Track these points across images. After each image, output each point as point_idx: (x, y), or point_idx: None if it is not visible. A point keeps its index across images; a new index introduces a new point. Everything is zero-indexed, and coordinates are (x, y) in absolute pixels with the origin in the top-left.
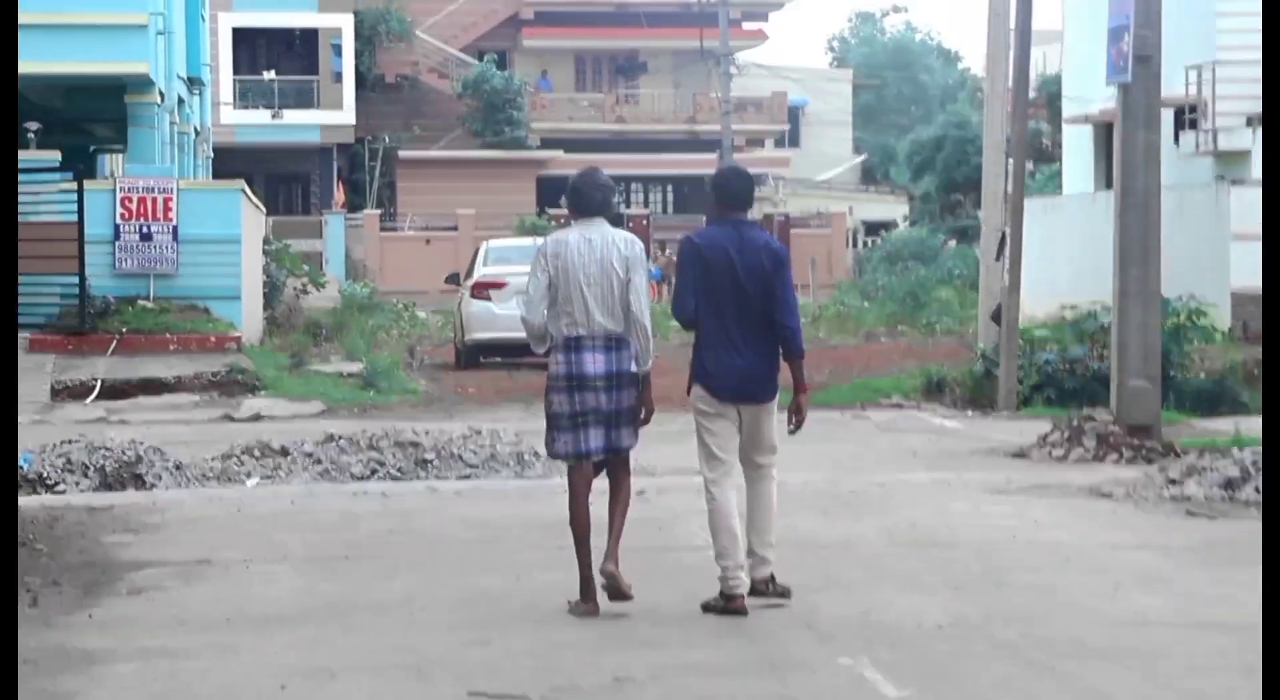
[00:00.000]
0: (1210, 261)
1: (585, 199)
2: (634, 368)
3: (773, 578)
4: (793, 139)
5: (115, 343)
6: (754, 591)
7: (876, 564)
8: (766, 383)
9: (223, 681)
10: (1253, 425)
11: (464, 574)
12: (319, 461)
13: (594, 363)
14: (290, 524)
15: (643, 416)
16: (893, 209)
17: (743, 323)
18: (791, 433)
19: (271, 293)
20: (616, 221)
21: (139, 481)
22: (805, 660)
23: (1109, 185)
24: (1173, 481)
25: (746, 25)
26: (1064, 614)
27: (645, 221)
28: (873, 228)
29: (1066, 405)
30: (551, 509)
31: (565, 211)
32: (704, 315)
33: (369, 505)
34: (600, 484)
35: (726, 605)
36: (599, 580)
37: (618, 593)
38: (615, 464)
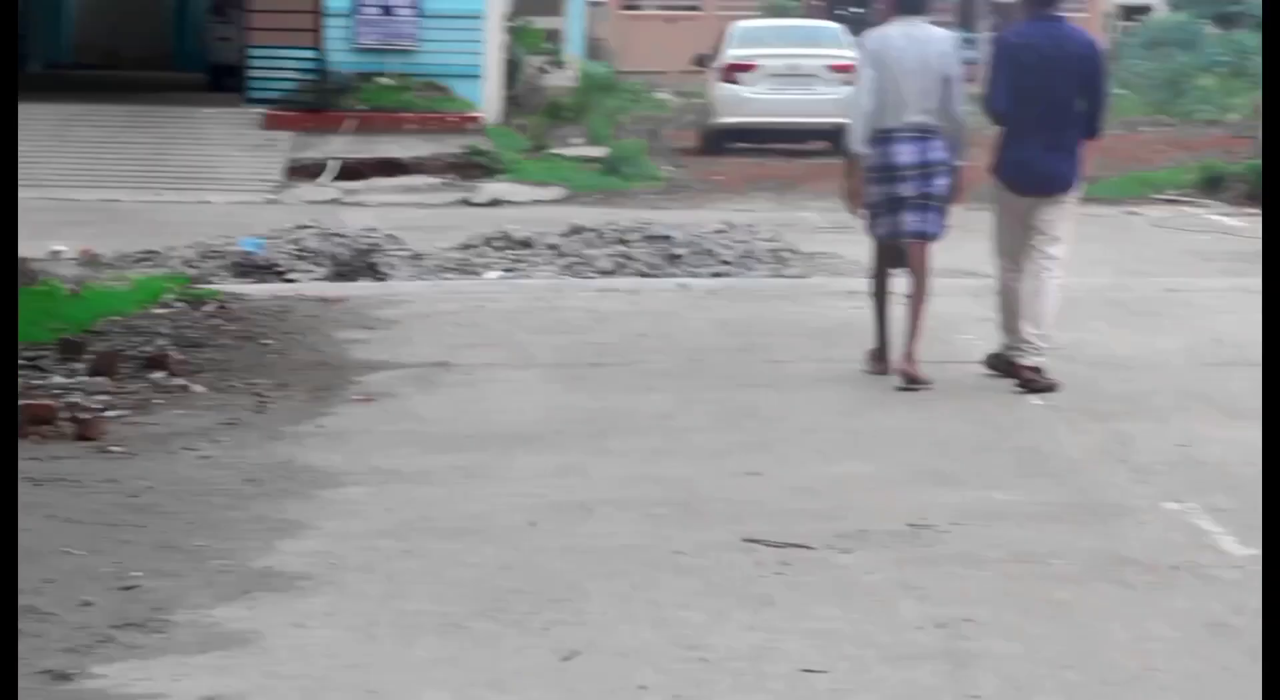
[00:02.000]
0: None
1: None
2: (946, 157)
3: (1042, 370)
4: None
5: (353, 121)
6: (1023, 380)
7: (1185, 387)
8: (1066, 179)
9: (464, 513)
10: None
11: (725, 388)
12: (564, 254)
13: (905, 153)
14: (534, 323)
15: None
16: None
17: (1048, 119)
18: None
19: (512, 72)
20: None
21: (374, 271)
22: (1125, 505)
23: None
24: None
25: None
26: None
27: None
28: (1129, 12)
29: None
30: (816, 312)
31: None
32: (1012, 112)
33: (617, 304)
34: None
35: (1008, 369)
36: (898, 381)
37: (917, 383)
38: (915, 253)
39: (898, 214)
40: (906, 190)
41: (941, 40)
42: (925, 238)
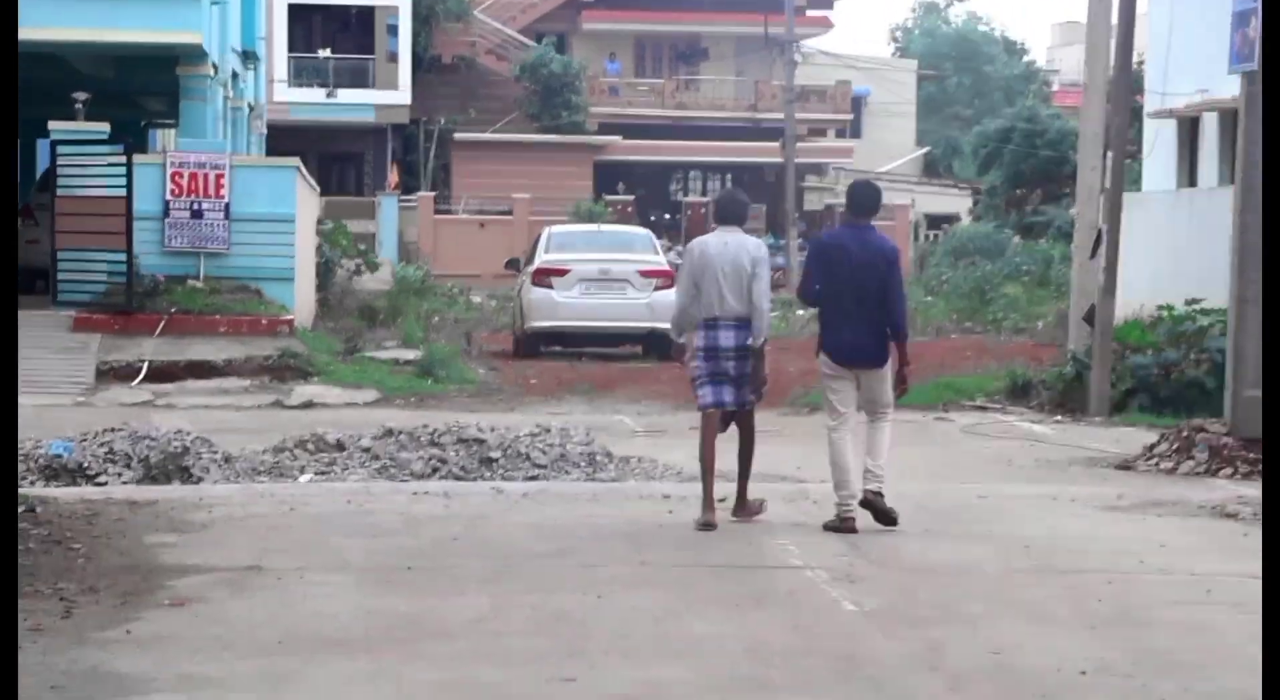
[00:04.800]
0: None
1: (725, 211)
2: (752, 342)
3: (882, 495)
4: (855, 129)
5: (163, 323)
6: (865, 502)
7: (997, 594)
8: (876, 353)
9: None
10: None
11: (539, 591)
12: (377, 457)
13: (726, 337)
14: (347, 526)
15: (759, 383)
16: (956, 203)
17: (857, 306)
18: (897, 399)
19: (325, 274)
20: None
21: (185, 474)
22: None
23: (1192, 182)
24: None
25: (811, 13)
26: (1224, 663)
27: (703, 209)
28: (935, 221)
29: (1162, 413)
30: (629, 516)
31: (623, 198)
32: (826, 300)
33: (431, 507)
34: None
35: (841, 525)
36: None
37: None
38: (741, 417)
39: (721, 387)
40: (728, 369)
41: (753, 246)
42: (745, 406)
